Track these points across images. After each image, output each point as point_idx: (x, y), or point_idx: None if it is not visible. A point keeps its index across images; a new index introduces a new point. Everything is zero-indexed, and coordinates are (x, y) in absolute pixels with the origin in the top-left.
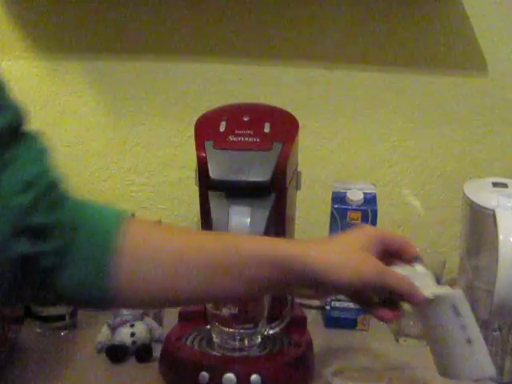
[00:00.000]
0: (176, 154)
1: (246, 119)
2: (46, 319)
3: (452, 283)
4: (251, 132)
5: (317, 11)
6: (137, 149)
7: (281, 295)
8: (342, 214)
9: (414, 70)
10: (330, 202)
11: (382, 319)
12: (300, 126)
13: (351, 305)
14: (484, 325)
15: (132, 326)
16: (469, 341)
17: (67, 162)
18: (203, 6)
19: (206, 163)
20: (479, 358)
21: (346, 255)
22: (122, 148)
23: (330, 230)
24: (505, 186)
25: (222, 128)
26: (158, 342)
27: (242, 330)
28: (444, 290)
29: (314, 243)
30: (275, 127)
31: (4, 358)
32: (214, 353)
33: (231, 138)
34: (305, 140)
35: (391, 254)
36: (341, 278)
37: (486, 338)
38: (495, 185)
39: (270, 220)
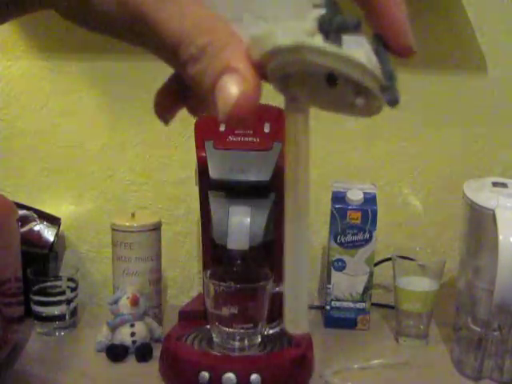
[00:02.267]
0: (176, 153)
1: None
2: (46, 319)
3: (452, 283)
4: (251, 132)
5: None
6: (137, 149)
7: None
8: (342, 214)
9: (414, 70)
10: (330, 202)
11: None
12: None
13: (351, 305)
14: (484, 325)
15: (132, 325)
16: None
17: (67, 162)
18: None
19: (205, 163)
20: None
21: None
22: (121, 148)
23: (330, 230)
24: (505, 186)
25: (222, 128)
26: (158, 341)
27: (241, 330)
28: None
29: None
30: (275, 127)
31: (4, 358)
32: (214, 353)
33: (231, 138)
34: None
35: None
36: None
37: (486, 338)
38: (495, 185)
39: (269, 220)
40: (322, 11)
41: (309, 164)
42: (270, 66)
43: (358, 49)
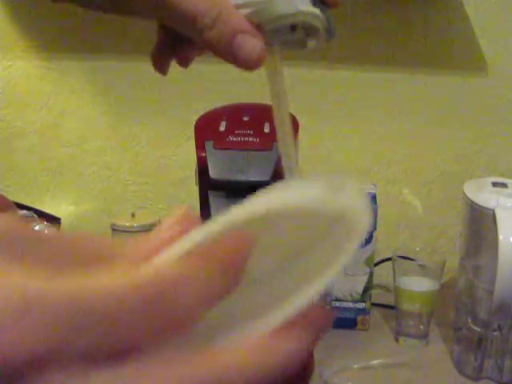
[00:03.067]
0: (176, 153)
1: (245, 119)
2: None
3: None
4: (251, 132)
5: None
6: (137, 149)
7: None
8: None
9: (414, 70)
10: None
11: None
12: (300, 125)
13: (351, 305)
14: (484, 325)
15: None
16: None
17: (67, 162)
18: None
19: (206, 163)
20: None
21: None
22: (121, 148)
23: None
24: (505, 186)
25: (222, 128)
26: None
27: None
28: None
29: None
30: (275, 127)
31: None
32: None
33: (231, 138)
34: (305, 140)
35: None
36: None
37: (486, 338)
38: (495, 185)
39: None
40: None
41: (284, 83)
42: (266, 27)
43: (310, 5)
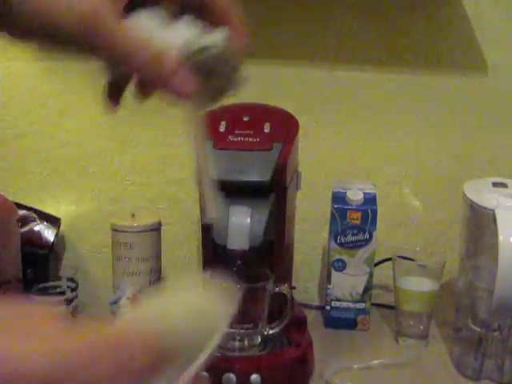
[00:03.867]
0: (176, 154)
1: (245, 119)
2: None
3: (452, 282)
4: (251, 132)
5: (317, 11)
6: (137, 149)
7: None
8: (342, 214)
9: (414, 70)
10: (330, 202)
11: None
12: (300, 125)
13: (351, 305)
14: (484, 325)
15: None
16: None
17: (67, 162)
18: None
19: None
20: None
21: None
22: (121, 148)
23: (330, 230)
24: (505, 186)
25: (222, 128)
26: None
27: (241, 330)
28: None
29: None
30: (275, 127)
31: None
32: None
33: (231, 137)
34: (305, 140)
35: None
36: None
37: (486, 338)
38: (495, 185)
39: (269, 220)
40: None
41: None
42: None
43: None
